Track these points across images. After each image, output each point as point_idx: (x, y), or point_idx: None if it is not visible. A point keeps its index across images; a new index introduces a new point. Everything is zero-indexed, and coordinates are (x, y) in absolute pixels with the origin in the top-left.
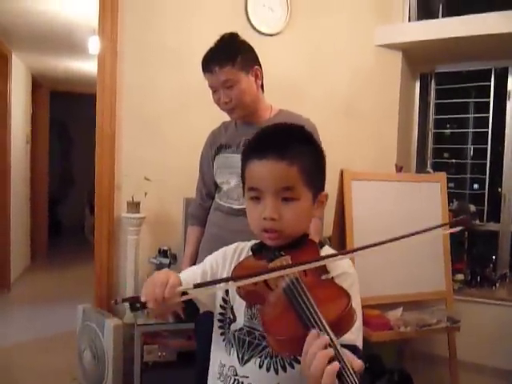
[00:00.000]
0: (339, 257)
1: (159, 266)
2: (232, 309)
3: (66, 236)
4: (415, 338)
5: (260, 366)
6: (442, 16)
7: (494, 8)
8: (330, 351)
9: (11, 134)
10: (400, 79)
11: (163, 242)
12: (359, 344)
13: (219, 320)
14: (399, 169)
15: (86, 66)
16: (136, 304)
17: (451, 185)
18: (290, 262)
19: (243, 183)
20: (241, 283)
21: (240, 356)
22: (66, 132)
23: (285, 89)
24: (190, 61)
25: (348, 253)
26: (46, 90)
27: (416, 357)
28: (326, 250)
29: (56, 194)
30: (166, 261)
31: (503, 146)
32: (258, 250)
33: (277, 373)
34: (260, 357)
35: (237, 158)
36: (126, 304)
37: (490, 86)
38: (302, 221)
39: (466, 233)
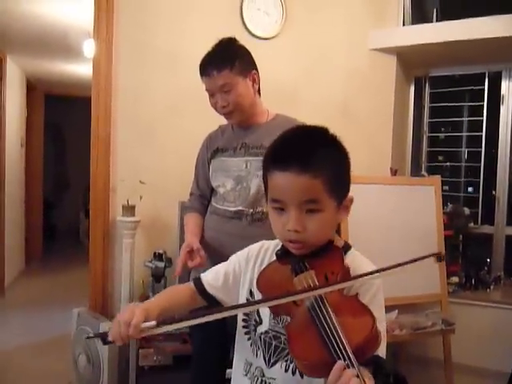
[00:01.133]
0: (365, 277)
1: (154, 270)
2: (258, 311)
3: (61, 240)
4: (410, 341)
5: (286, 370)
6: (437, 20)
7: (488, 12)
8: (349, 378)
9: (5, 137)
10: (395, 83)
11: (158, 246)
12: (381, 353)
13: (244, 320)
14: (394, 172)
15: (81, 69)
16: (106, 340)
17: (446, 188)
18: (315, 278)
19: (265, 190)
20: (264, 305)
21: (267, 358)
22: (60, 135)
23: (280, 92)
24: (186, 64)
25: (377, 272)
26: (40, 93)
27: (411, 360)
28: (352, 255)
29: (51, 198)
30: (161, 264)
31: (497, 149)
32: (283, 256)
33: (302, 377)
34: (286, 360)
35: (233, 162)
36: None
37: (483, 89)
38: (326, 230)
39: (461, 236)
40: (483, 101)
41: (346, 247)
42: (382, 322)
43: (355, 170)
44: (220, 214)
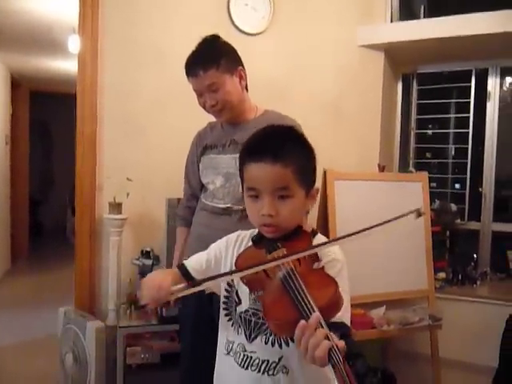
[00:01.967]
0: (327, 245)
1: (142, 268)
2: (237, 292)
3: (48, 238)
4: (398, 336)
5: (266, 342)
6: (424, 17)
7: (475, 9)
8: (323, 332)
9: None
10: (382, 79)
11: (146, 243)
12: (346, 320)
13: (224, 302)
14: (382, 168)
15: (67, 66)
16: (138, 304)
17: (433, 184)
18: (286, 253)
19: (242, 182)
20: (242, 274)
21: (247, 334)
22: (47, 132)
23: (268, 88)
24: (173, 60)
25: (335, 240)
26: (25, 90)
27: (399, 355)
28: (319, 238)
29: (37, 195)
30: (148, 262)
31: (483, 146)
32: (258, 241)
33: (280, 347)
34: (265, 334)
35: (222, 159)
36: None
37: (470, 86)
38: (296, 215)
39: (448, 232)
40: (470, 98)
41: (314, 232)
42: (346, 293)
43: (343, 166)
44: (209, 210)
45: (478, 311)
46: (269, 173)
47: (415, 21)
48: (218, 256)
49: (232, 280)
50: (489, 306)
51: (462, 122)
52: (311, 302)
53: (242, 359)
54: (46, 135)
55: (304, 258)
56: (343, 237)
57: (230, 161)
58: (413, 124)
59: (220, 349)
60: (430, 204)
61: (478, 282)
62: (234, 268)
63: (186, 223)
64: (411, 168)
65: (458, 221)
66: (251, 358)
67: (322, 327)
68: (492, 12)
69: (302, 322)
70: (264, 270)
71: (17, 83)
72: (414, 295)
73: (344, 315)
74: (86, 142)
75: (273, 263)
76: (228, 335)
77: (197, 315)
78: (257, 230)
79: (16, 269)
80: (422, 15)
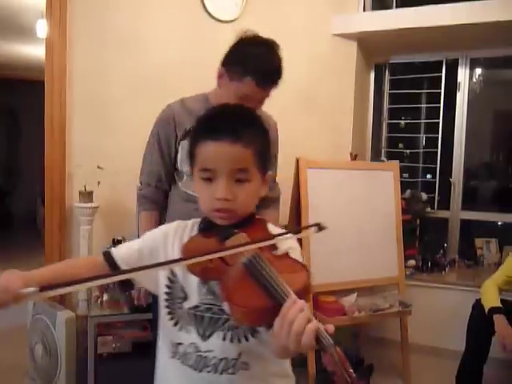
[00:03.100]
0: (290, 235)
1: None
2: (182, 287)
3: (18, 228)
4: (369, 323)
5: (224, 339)
6: (396, 7)
7: (446, 0)
8: (308, 313)
9: None
10: (355, 69)
11: (117, 232)
12: None
13: (166, 300)
14: (354, 157)
15: (36, 51)
16: None
17: (405, 175)
18: (248, 239)
19: (191, 163)
20: (195, 260)
21: (201, 332)
22: (14, 120)
23: None
24: (144, 46)
25: (298, 232)
26: None
27: (370, 340)
28: (271, 227)
29: (5, 185)
30: None
31: (453, 135)
32: (207, 229)
33: (240, 342)
34: (222, 330)
35: None
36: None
37: (441, 77)
38: (252, 201)
39: (418, 220)
40: (440, 88)
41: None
42: None
43: (316, 154)
44: (197, 202)
45: (447, 297)
46: (228, 152)
47: (388, 10)
48: (153, 247)
49: (173, 274)
50: (457, 292)
51: (433, 112)
52: (285, 285)
53: (196, 361)
54: (13, 123)
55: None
56: (306, 227)
57: None
58: (385, 114)
59: (162, 353)
60: (401, 193)
61: (447, 269)
62: (176, 256)
63: (156, 207)
64: (383, 157)
65: (428, 209)
66: (206, 358)
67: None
68: (463, 3)
69: (286, 306)
70: (221, 258)
71: None
72: (385, 282)
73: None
74: (55, 129)
75: (236, 250)
76: (173, 338)
77: None
78: (199, 219)
79: None
80: (394, 5)
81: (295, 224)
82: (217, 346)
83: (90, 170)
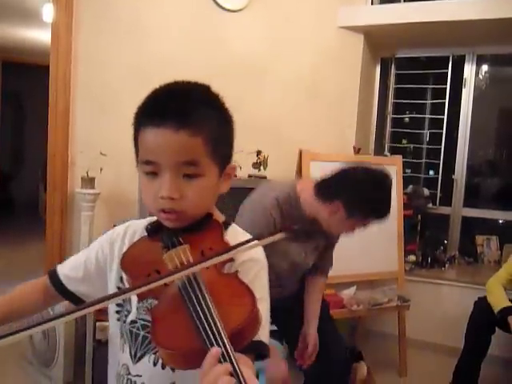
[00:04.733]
0: (245, 246)
1: None
2: (129, 299)
3: (19, 214)
4: (367, 316)
5: (155, 364)
6: (404, 1)
7: None
8: (224, 369)
9: None
10: (361, 62)
11: (118, 219)
12: (265, 338)
13: (117, 312)
14: (357, 151)
15: (42, 35)
16: None
17: (408, 170)
18: (189, 254)
19: (136, 153)
20: (127, 295)
21: (133, 353)
22: (19, 105)
23: (247, 65)
24: (150, 34)
25: (252, 241)
26: None
27: (368, 334)
28: (233, 231)
29: (7, 170)
30: None
31: (458, 132)
32: (154, 231)
33: (173, 370)
34: (154, 353)
35: None
36: None
37: (447, 72)
38: (206, 199)
39: (420, 216)
40: (446, 84)
41: (227, 223)
42: (264, 302)
43: (319, 147)
44: None
45: (446, 294)
46: (171, 142)
47: (395, 4)
48: (100, 257)
49: (121, 281)
50: (456, 288)
51: (438, 108)
52: (219, 324)
53: None
54: (18, 107)
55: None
56: (267, 239)
57: None
58: (389, 108)
59: (110, 371)
60: (404, 188)
61: (447, 266)
62: (119, 266)
63: None
64: (386, 152)
65: (430, 205)
66: (135, 383)
67: (234, 371)
68: None
69: (205, 363)
70: (157, 271)
71: None
72: (385, 277)
73: (263, 332)
74: (58, 114)
75: (172, 276)
76: (118, 356)
77: None
78: (155, 218)
79: None
80: None
81: None
82: (146, 370)
83: (93, 157)
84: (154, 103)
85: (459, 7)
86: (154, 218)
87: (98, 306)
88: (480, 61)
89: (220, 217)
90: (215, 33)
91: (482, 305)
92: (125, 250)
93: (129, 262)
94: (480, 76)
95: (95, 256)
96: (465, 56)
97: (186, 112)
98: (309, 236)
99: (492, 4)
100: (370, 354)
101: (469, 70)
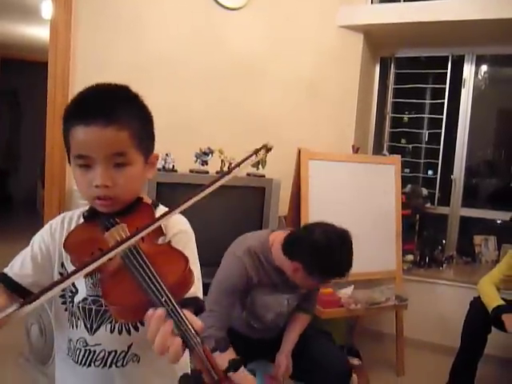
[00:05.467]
0: (171, 214)
1: None
2: (73, 282)
3: (17, 210)
4: (365, 315)
5: (112, 331)
6: (404, 0)
7: None
8: (169, 326)
9: None
10: (361, 61)
11: None
12: (200, 294)
13: (61, 296)
14: (356, 150)
15: (41, 33)
16: None
17: (407, 170)
18: (127, 230)
19: (67, 149)
20: (83, 273)
21: (88, 326)
22: (17, 102)
23: (247, 63)
24: (149, 32)
25: (178, 207)
26: None
27: (365, 333)
28: (161, 210)
29: (5, 167)
30: None
31: (456, 132)
32: (91, 216)
33: (129, 333)
34: (110, 322)
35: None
36: None
37: (446, 72)
38: (135, 185)
39: (418, 215)
40: (445, 84)
41: (155, 204)
42: (196, 266)
43: (318, 145)
44: None
45: (443, 293)
46: (101, 137)
47: (395, 4)
48: (43, 248)
49: (62, 266)
50: (453, 288)
51: (437, 108)
52: (160, 281)
53: (84, 356)
54: (16, 104)
55: (148, 233)
56: (185, 202)
57: None
58: (389, 107)
59: (59, 352)
60: (402, 188)
61: (445, 265)
62: (64, 257)
63: None
64: (385, 151)
65: (428, 205)
66: (94, 352)
67: (174, 312)
68: None
69: (149, 312)
70: (100, 248)
71: None
72: (382, 276)
73: (198, 290)
74: (56, 111)
75: (116, 250)
76: (67, 333)
77: None
78: (87, 208)
79: None
80: None
81: (294, 215)
82: (105, 338)
83: None
84: (83, 103)
85: (459, 7)
86: (85, 208)
87: (51, 293)
88: (479, 61)
89: (148, 199)
90: (215, 31)
91: (477, 304)
92: (64, 237)
93: (72, 244)
94: (479, 76)
95: (38, 248)
96: (464, 56)
97: (113, 110)
98: (287, 287)
99: (492, 4)
100: (368, 353)
101: (468, 70)
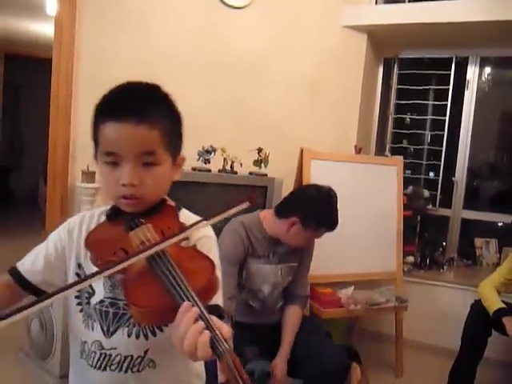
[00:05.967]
0: (203, 223)
1: None
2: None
3: (19, 206)
4: (364, 316)
5: (129, 335)
6: (409, 1)
7: None
8: (201, 325)
9: None
10: (364, 62)
11: None
12: (220, 302)
13: (76, 297)
14: (358, 150)
15: (45, 29)
16: None
17: (408, 171)
18: (153, 231)
19: (95, 145)
20: (103, 274)
21: (105, 329)
22: (21, 97)
23: (250, 62)
24: (153, 28)
25: (208, 219)
26: (0, 53)
27: (364, 334)
28: (185, 214)
29: (7, 162)
30: None
31: (459, 134)
32: (114, 216)
33: (146, 338)
34: (127, 326)
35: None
36: None
37: (450, 74)
38: (162, 186)
39: (419, 217)
40: (449, 85)
41: (178, 206)
42: (218, 270)
43: (320, 145)
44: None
45: (443, 295)
46: (132, 135)
47: (400, 4)
48: (58, 246)
49: (79, 267)
50: (453, 290)
51: (440, 110)
52: (187, 285)
53: (98, 359)
54: (19, 100)
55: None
56: (221, 214)
57: None
58: (391, 108)
59: (72, 354)
60: (404, 189)
61: (445, 268)
62: (82, 258)
63: None
64: (387, 152)
65: (430, 207)
66: (110, 356)
67: (203, 316)
68: (475, 0)
69: (182, 309)
70: (123, 249)
71: None
72: (383, 277)
73: (219, 298)
74: (60, 108)
75: (146, 253)
76: (82, 335)
77: None
78: (109, 206)
79: None
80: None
81: None
82: (121, 342)
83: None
84: (115, 100)
85: (464, 8)
86: (107, 207)
87: (70, 290)
88: (483, 63)
89: (171, 202)
90: (219, 29)
91: (478, 307)
92: (84, 235)
93: (94, 242)
94: (483, 78)
95: (54, 246)
96: (468, 58)
97: (144, 108)
98: (280, 257)
99: (497, 6)
100: (367, 354)
101: (472, 72)
